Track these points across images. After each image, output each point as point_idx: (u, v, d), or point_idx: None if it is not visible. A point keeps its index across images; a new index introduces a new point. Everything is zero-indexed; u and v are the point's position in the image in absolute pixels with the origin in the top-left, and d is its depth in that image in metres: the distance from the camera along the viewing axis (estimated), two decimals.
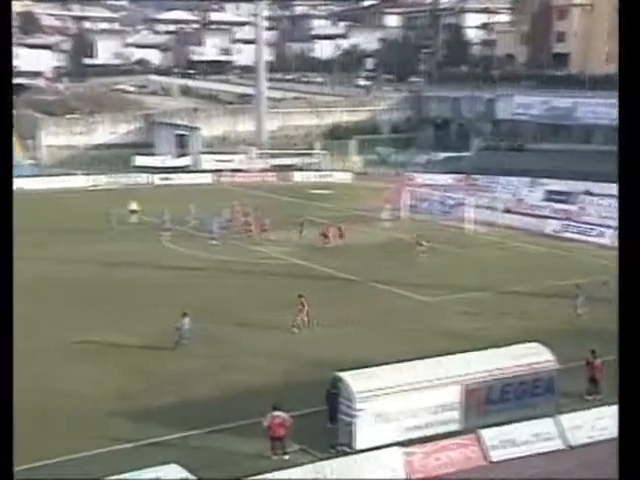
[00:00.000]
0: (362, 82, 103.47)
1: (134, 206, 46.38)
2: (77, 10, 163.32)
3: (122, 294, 31.84)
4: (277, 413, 18.54)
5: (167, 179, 63.50)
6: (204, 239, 41.58)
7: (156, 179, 63.44)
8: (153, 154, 70.24)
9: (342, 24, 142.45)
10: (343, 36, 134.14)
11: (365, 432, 18.69)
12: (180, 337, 25.30)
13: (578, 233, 43.75)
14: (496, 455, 18.68)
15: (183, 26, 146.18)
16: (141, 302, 30.67)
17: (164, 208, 44.55)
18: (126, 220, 45.16)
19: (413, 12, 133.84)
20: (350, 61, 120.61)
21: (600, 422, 19.57)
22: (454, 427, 19.53)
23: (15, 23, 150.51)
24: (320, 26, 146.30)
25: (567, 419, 19.54)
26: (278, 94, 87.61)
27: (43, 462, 17.55)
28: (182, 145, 70.94)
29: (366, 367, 19.89)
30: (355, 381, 18.98)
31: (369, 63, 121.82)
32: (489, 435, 18.79)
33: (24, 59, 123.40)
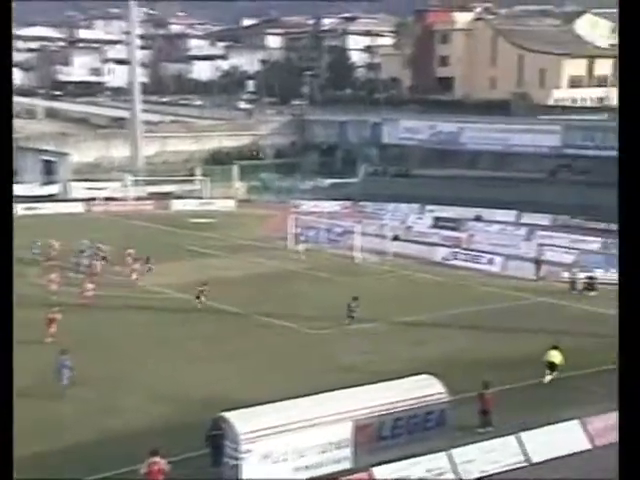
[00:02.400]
0: (244, 105, 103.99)
1: None
2: None
3: None
4: (155, 459, 18.28)
5: (32, 209, 61.62)
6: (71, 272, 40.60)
7: (19, 209, 61.42)
8: (17, 182, 68.04)
9: (221, 44, 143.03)
10: (222, 57, 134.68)
11: (252, 474, 18.62)
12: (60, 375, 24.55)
13: (467, 261, 45.22)
14: None
15: (47, 43, 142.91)
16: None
17: (29, 240, 43.24)
18: None
19: (295, 33, 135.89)
20: (230, 83, 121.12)
21: (491, 455, 20.25)
22: (345, 465, 19.72)
23: None
24: (198, 46, 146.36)
25: (459, 453, 20.08)
26: (155, 118, 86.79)
27: None
28: (49, 172, 69.10)
29: (251, 406, 19.86)
30: (240, 421, 18.91)
31: (250, 85, 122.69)
32: (382, 472, 19.07)
33: None
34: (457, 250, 46.91)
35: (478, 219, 57.59)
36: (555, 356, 26.10)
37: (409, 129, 73.02)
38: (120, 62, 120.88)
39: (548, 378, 25.96)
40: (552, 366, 26.06)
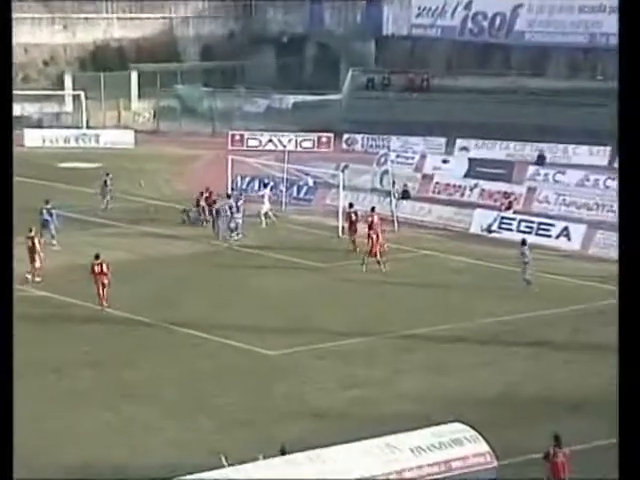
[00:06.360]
0: None
1: None
2: None
3: None
4: None
5: None
6: None
7: None
8: None
9: None
10: None
11: None
12: None
13: (526, 232, 45.40)
14: None
15: None
16: None
17: None
18: None
19: None
20: None
21: None
22: None
23: None
24: None
25: None
26: None
27: None
28: None
29: (174, 477, 20.05)
30: None
31: None
32: None
33: None
34: (508, 215, 47.15)
35: (542, 162, 57.88)
36: None
37: (427, 10, 73.05)
38: None
39: None
40: None
